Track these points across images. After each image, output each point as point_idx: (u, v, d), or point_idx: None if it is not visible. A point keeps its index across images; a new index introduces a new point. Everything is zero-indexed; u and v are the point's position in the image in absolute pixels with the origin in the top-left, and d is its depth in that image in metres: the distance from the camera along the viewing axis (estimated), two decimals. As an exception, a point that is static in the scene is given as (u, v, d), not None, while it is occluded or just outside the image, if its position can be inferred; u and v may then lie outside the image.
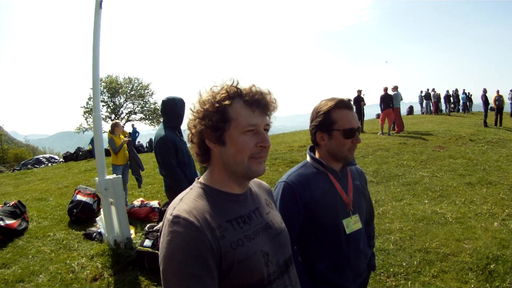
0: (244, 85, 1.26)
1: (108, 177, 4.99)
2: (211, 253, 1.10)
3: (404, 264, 4.34)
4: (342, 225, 1.83)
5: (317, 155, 1.93)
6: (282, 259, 1.31)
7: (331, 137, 1.83)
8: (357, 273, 1.92)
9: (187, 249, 1.08)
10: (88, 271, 4.57)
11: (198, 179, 1.34)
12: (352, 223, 1.86)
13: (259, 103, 1.22)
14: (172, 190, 4.00)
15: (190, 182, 4.14)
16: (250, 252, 1.19)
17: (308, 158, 1.96)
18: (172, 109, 4.18)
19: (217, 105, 1.21)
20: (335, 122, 1.80)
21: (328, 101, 1.83)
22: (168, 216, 1.17)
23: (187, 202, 1.20)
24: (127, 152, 7.57)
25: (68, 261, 4.91)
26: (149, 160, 12.64)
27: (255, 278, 1.19)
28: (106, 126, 23.22)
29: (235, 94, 1.23)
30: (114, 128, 7.63)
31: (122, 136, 7.74)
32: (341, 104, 1.81)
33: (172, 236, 1.10)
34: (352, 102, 1.85)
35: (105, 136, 7.72)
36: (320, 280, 1.83)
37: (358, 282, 1.96)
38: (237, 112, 1.21)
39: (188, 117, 1.30)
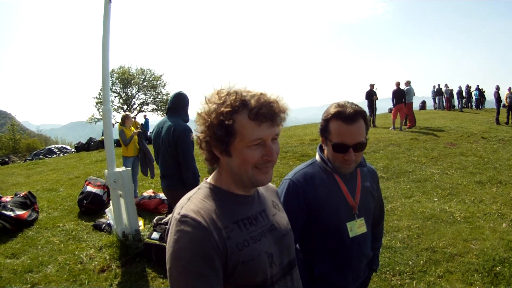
0: (251, 92, 1.20)
1: (117, 169, 5.04)
2: (217, 253, 1.11)
3: (410, 263, 4.31)
4: (345, 228, 1.81)
5: (325, 154, 1.88)
6: (286, 260, 1.32)
7: (327, 145, 1.80)
8: (357, 274, 1.92)
9: (194, 249, 1.09)
10: (96, 262, 4.65)
11: (206, 179, 1.34)
12: (357, 227, 1.83)
13: (266, 115, 1.16)
14: (177, 189, 3.92)
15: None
16: (255, 253, 1.20)
17: (317, 157, 1.92)
18: (187, 103, 4.22)
19: (221, 118, 1.16)
20: (330, 133, 1.75)
21: (332, 107, 1.76)
22: (175, 215, 1.17)
23: (194, 202, 1.21)
24: (137, 144, 7.63)
25: (76, 252, 5.00)
26: (159, 151, 12.57)
27: (260, 279, 1.20)
28: (118, 117, 23.33)
29: (240, 107, 1.16)
30: (125, 120, 7.68)
31: (132, 128, 7.79)
32: (339, 115, 1.70)
33: (180, 235, 1.11)
34: (356, 113, 1.70)
35: (116, 127, 7.78)
36: (320, 280, 1.83)
37: (358, 283, 1.95)
38: (243, 126, 1.16)
39: (195, 122, 1.27)
